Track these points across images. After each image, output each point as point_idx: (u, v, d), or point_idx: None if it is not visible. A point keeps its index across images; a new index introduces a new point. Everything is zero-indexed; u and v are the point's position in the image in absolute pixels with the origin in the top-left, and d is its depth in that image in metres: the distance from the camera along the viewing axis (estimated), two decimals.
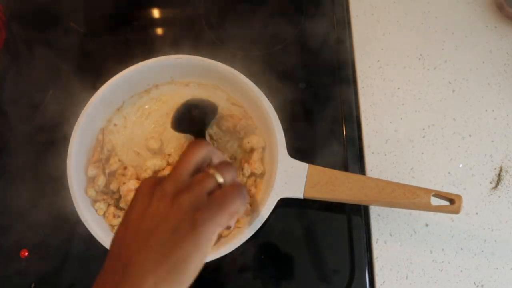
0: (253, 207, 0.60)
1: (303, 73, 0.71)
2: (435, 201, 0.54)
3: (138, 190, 0.41)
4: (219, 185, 0.41)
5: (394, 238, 0.62)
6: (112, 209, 0.60)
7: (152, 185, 0.40)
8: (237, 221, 0.60)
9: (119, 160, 0.64)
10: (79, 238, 0.61)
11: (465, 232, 0.63)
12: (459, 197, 0.54)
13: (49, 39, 0.73)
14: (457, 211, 0.53)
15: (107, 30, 0.75)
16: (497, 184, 0.65)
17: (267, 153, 0.63)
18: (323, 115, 0.69)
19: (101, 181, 0.60)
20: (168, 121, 0.65)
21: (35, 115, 0.69)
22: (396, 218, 0.63)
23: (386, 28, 0.74)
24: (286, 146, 0.60)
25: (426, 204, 0.54)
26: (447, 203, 0.55)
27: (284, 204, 0.59)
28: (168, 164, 0.62)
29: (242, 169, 0.62)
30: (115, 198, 0.62)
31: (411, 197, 0.55)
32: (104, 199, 0.61)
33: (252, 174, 0.62)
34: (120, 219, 0.59)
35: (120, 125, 0.66)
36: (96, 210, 0.60)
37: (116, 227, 0.59)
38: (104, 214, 0.60)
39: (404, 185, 0.56)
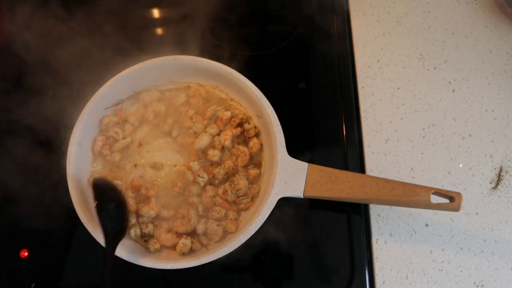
0: (253, 207, 0.60)
1: (303, 73, 0.71)
2: (435, 199, 0.54)
3: None
4: None
5: (394, 238, 0.62)
6: None
7: None
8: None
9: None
10: (79, 238, 0.62)
11: (465, 232, 0.62)
12: (459, 194, 0.53)
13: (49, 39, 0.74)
14: (457, 209, 0.53)
15: (108, 29, 0.75)
16: (497, 184, 0.65)
17: (267, 153, 0.63)
18: (323, 115, 0.69)
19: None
20: (168, 121, 0.66)
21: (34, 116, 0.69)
22: (396, 218, 0.63)
23: (386, 28, 0.74)
24: (285, 146, 0.60)
25: (426, 202, 0.54)
26: (447, 201, 0.54)
27: (284, 204, 0.59)
28: None
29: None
30: None
31: (411, 195, 0.54)
32: None
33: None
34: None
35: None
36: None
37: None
38: None
39: (404, 183, 0.55)
